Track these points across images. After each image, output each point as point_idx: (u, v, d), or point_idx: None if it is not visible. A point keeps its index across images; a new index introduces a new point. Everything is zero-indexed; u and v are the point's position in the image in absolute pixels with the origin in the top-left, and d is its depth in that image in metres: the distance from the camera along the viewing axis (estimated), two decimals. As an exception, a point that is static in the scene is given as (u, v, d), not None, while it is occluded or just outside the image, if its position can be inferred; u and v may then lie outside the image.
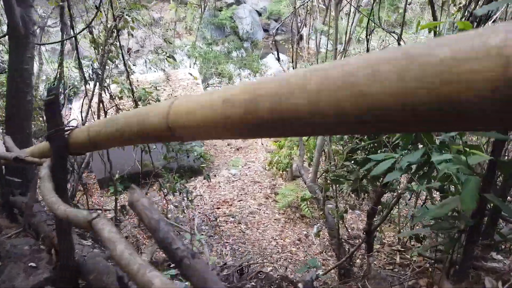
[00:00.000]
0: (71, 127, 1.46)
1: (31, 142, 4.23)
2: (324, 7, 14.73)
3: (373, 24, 5.18)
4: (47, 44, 5.01)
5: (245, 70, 17.38)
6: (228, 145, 15.15)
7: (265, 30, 29.62)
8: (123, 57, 6.24)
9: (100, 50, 7.89)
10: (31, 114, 4.15)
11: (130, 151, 9.06)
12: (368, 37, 5.18)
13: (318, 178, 7.55)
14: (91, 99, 7.03)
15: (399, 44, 5.05)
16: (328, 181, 5.08)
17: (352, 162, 3.69)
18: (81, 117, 6.92)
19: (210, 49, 15.24)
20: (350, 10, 7.85)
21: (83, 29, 5.03)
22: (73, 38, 5.33)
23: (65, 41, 6.05)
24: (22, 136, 3.96)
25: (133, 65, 7.62)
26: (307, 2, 10.49)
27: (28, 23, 3.78)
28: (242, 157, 14.29)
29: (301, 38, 14.38)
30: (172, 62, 7.82)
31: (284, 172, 12.73)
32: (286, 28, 29.83)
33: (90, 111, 7.25)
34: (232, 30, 26.14)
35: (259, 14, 30.13)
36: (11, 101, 3.83)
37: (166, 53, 6.53)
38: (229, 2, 26.95)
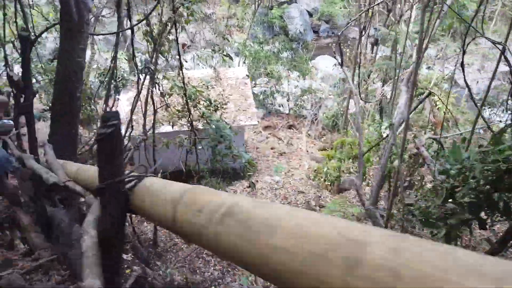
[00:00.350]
0: (139, 176, 0.89)
1: (76, 143, 3.82)
2: (386, 12, 13.73)
3: (474, 31, 4.35)
4: (102, 34, 4.61)
5: (294, 72, 16.69)
6: (271, 148, 14.55)
7: (315, 32, 28.74)
8: (178, 53, 5.78)
9: (153, 44, 7.52)
10: (79, 112, 3.73)
11: (174, 150, 8.71)
12: (464, 48, 4.35)
13: (385, 203, 6.77)
14: (140, 92, 6.68)
15: (505, 57, 4.20)
16: (404, 214, 4.33)
17: (454, 202, 2.96)
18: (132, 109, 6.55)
19: (261, 48, 14.66)
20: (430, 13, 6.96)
21: (142, 20, 4.58)
22: (129, 30, 4.90)
23: (120, 33, 5.66)
24: (67, 137, 3.55)
25: (185, 61, 7.18)
26: (373, 6, 9.64)
27: (82, 10, 3.33)
28: (285, 163, 13.65)
29: (376, 42, 13.45)
30: (227, 60, 7.33)
31: (330, 184, 11.98)
32: (337, 30, 28.83)
33: (138, 104, 6.92)
34: (281, 30, 25.51)
35: (310, 14, 29.29)
36: (59, 97, 3.40)
37: (223, 50, 6.01)
38: (281, 0, 26.33)
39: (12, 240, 3.04)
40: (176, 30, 5.89)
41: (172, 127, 7.89)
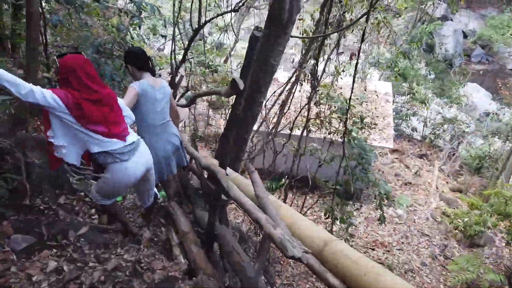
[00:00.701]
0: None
1: (245, 149, 3.52)
2: None
3: None
4: (301, 37, 4.25)
5: (440, 98, 14.90)
6: (395, 175, 13.24)
7: (466, 55, 25.57)
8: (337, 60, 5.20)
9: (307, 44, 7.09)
10: (257, 117, 3.39)
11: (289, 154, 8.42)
12: None
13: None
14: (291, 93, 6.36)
15: None
16: None
17: None
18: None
19: (411, 66, 13.30)
20: None
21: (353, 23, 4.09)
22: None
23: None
24: (240, 141, 3.24)
25: (342, 71, 6.59)
26: None
27: (293, 8, 2.93)
28: (410, 195, 12.25)
29: None
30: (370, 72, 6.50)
31: (460, 233, 10.34)
32: (494, 58, 25.25)
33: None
34: (427, 47, 23.25)
35: (465, 36, 26.17)
36: (238, 100, 3.06)
37: (395, 65, 5.25)
38: (436, 16, 23.93)
39: (170, 246, 2.83)
40: (343, 37, 5.35)
41: (307, 134, 7.43)
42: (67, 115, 2.28)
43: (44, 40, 4.83)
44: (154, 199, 3.16)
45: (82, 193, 3.46)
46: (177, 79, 4.80)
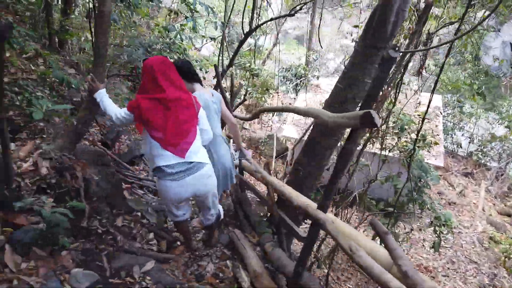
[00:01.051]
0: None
1: (321, 175, 3.13)
2: None
3: None
4: (406, 52, 3.81)
5: (486, 112, 14.02)
6: (438, 193, 12.52)
7: (513, 68, 24.18)
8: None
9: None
10: (337, 143, 3.00)
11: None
12: None
13: None
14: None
15: None
16: None
17: None
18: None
19: (463, 78, 12.50)
20: None
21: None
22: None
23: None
24: (318, 168, 2.84)
25: (407, 84, 6.05)
26: None
27: (398, 20, 2.50)
28: (454, 216, 11.51)
29: None
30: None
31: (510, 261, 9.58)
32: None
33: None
34: (472, 58, 22.09)
35: (512, 47, 24.78)
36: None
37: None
38: (481, 27, 22.72)
39: (239, 286, 2.47)
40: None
41: (362, 149, 6.95)
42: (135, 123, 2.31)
43: (93, 37, 4.61)
44: (216, 220, 2.91)
45: (139, 213, 3.15)
46: (235, 87, 4.44)
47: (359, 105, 2.87)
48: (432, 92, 4.63)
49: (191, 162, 2.33)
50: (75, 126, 2.60)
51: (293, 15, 6.47)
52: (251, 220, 3.29)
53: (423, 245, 9.74)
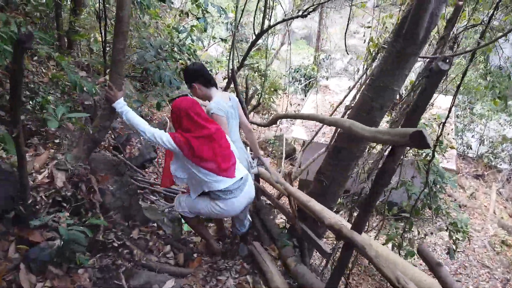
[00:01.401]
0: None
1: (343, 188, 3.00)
2: None
3: None
4: (426, 57, 3.70)
5: (500, 114, 13.77)
6: (448, 195, 12.33)
7: (523, 68, 23.92)
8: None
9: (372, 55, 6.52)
10: (360, 156, 2.89)
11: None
12: None
13: None
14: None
15: None
16: None
17: None
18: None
19: (476, 80, 12.21)
20: None
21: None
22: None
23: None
24: (342, 179, 2.72)
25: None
26: None
27: (431, 25, 2.37)
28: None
29: None
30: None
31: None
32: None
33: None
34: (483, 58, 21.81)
35: (522, 47, 24.47)
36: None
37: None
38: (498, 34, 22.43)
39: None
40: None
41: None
42: (182, 156, 2.42)
43: (103, 38, 4.49)
44: (250, 226, 3.24)
45: (155, 224, 3.04)
46: (250, 92, 4.32)
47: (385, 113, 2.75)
48: (454, 97, 4.49)
49: (241, 178, 2.64)
50: (91, 134, 2.49)
51: (305, 16, 6.33)
52: (270, 230, 3.17)
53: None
